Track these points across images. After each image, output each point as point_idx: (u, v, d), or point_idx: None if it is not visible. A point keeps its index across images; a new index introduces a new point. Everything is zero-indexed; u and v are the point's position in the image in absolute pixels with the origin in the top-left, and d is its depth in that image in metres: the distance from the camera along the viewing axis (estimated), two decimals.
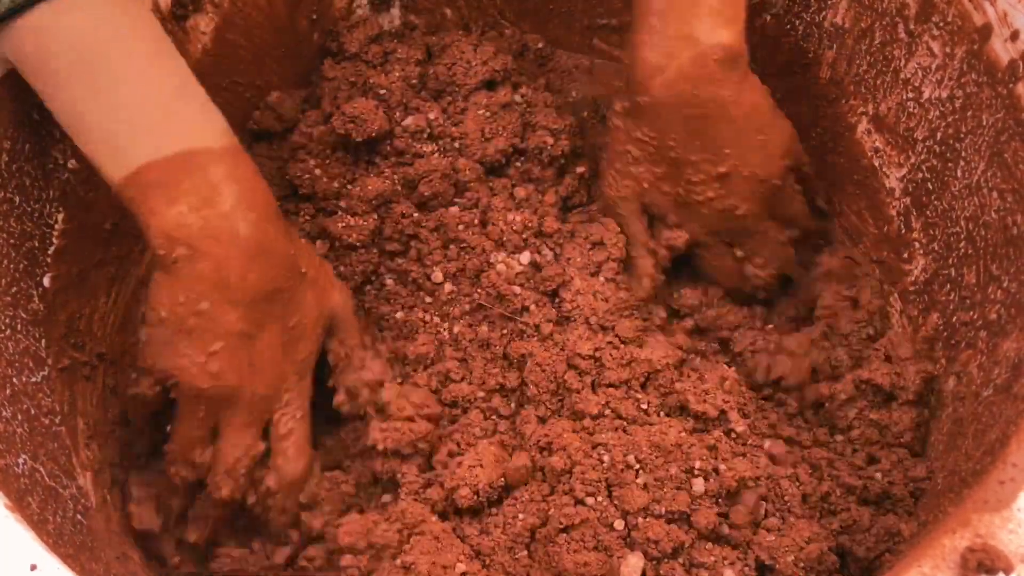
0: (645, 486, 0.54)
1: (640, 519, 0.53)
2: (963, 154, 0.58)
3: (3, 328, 0.53)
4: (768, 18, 0.68)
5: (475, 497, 0.55)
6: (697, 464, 0.55)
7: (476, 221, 0.66)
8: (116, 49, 0.49)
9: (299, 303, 0.57)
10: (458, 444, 0.59)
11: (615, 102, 0.64)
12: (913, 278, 0.64)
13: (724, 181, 0.62)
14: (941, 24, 0.58)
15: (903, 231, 0.64)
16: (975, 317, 0.57)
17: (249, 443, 0.57)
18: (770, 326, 0.68)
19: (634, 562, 0.52)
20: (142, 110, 0.50)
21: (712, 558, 0.54)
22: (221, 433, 0.56)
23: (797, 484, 0.57)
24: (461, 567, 0.53)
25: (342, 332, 0.62)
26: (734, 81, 0.59)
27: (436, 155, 0.67)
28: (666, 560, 0.53)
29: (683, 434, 0.56)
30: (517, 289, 0.63)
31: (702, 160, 0.62)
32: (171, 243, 0.51)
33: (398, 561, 0.53)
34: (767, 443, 0.59)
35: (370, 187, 0.66)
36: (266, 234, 0.54)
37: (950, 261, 0.60)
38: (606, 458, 0.55)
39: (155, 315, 0.53)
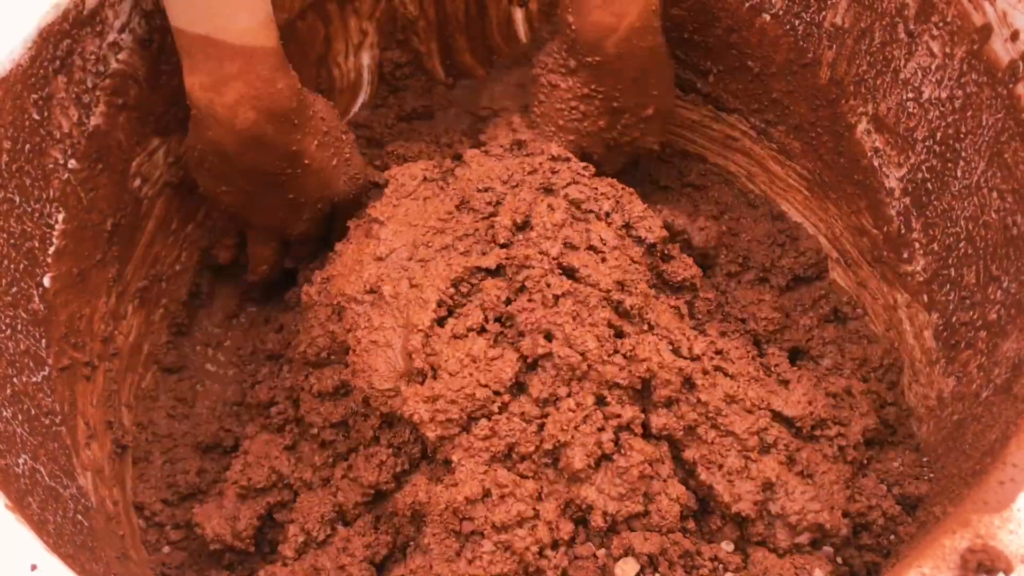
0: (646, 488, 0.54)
1: (638, 520, 0.53)
2: (963, 154, 0.58)
3: (3, 328, 0.53)
4: (768, 18, 0.68)
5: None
6: (699, 464, 0.55)
7: None
8: None
9: (298, 184, 0.65)
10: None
11: (550, 62, 0.66)
12: (913, 278, 0.64)
13: (648, 121, 0.68)
14: (941, 24, 0.58)
15: (903, 231, 0.64)
16: (975, 317, 0.57)
17: (266, 255, 0.71)
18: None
19: (631, 561, 0.52)
20: None
21: (712, 561, 0.54)
22: (247, 240, 0.71)
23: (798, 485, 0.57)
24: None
25: (341, 218, 0.69)
26: (661, 27, 0.65)
27: None
28: (665, 561, 0.53)
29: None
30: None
31: (636, 105, 0.67)
32: (191, 101, 0.59)
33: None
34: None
35: None
36: (264, 132, 0.60)
37: (950, 261, 0.60)
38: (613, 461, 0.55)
39: (187, 139, 0.63)
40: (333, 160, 0.65)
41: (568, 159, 0.62)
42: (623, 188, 0.62)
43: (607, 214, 0.60)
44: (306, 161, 0.63)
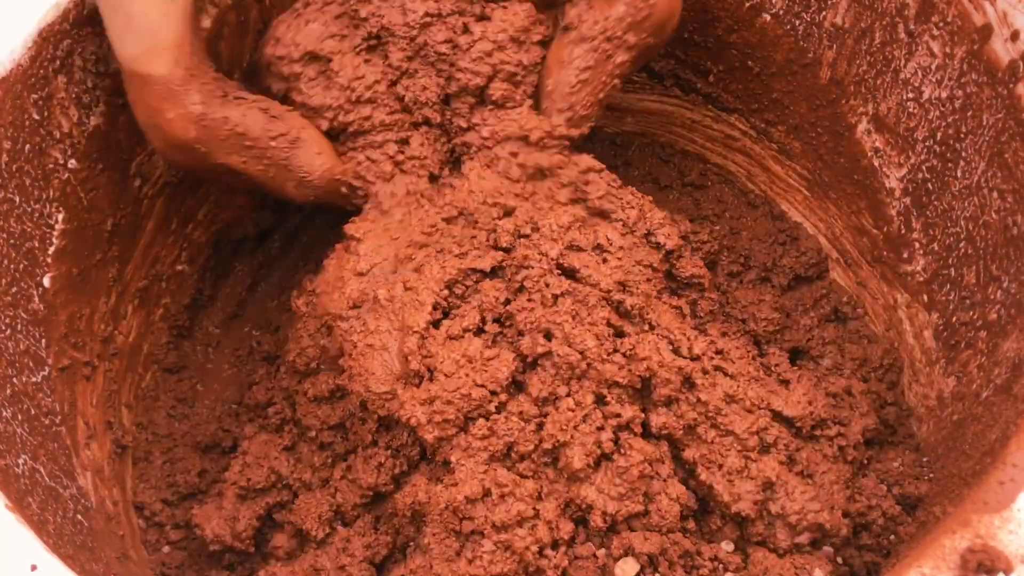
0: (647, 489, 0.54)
1: (638, 520, 0.53)
2: (963, 154, 0.58)
3: (3, 328, 0.53)
4: (768, 18, 0.68)
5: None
6: (699, 466, 0.55)
7: None
8: None
9: (251, 187, 0.64)
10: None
11: (609, 30, 0.63)
12: (913, 278, 0.64)
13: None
14: (941, 24, 0.58)
15: (903, 231, 0.64)
16: (975, 317, 0.57)
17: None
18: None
19: (631, 561, 0.52)
20: (128, 8, 0.55)
21: (712, 561, 0.54)
22: None
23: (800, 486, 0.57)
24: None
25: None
26: None
27: None
28: (665, 561, 0.53)
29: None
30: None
31: None
32: None
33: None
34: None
35: None
36: (173, 157, 0.60)
37: (950, 261, 0.60)
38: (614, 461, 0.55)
39: None
40: (269, 172, 0.62)
41: (601, 169, 0.62)
42: (643, 196, 0.62)
43: (634, 223, 0.61)
44: (239, 175, 0.61)
